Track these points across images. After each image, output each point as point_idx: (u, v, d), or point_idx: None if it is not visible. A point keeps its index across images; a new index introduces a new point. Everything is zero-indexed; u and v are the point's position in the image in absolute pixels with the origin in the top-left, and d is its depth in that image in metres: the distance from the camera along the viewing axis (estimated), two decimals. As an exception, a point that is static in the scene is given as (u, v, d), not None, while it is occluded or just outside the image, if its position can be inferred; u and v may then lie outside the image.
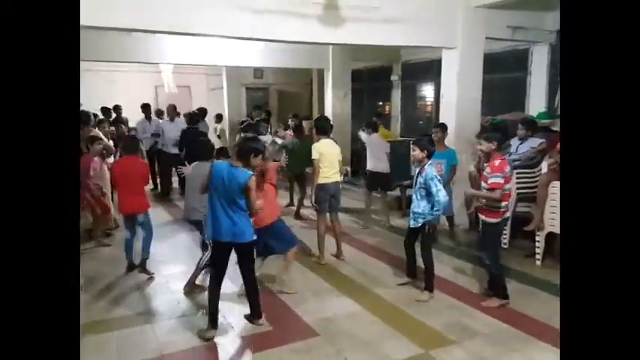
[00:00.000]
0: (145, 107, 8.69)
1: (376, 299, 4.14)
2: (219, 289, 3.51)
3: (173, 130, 8.15)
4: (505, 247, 5.25)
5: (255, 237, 3.50)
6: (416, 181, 4.05)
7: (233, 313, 3.86)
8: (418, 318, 3.76)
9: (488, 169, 3.82)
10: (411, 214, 4.11)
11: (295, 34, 5.09)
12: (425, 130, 8.79)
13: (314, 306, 4.02)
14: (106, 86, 10.84)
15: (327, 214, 5.05)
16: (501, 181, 3.72)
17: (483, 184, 3.88)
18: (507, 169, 3.82)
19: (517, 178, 5.13)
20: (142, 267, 4.73)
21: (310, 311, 3.90)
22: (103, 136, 5.91)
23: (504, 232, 5.27)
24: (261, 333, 3.57)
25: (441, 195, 3.85)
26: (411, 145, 4.18)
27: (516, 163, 5.26)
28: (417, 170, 4.07)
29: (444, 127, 5.66)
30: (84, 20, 3.92)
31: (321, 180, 4.85)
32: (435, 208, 3.95)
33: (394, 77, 10.54)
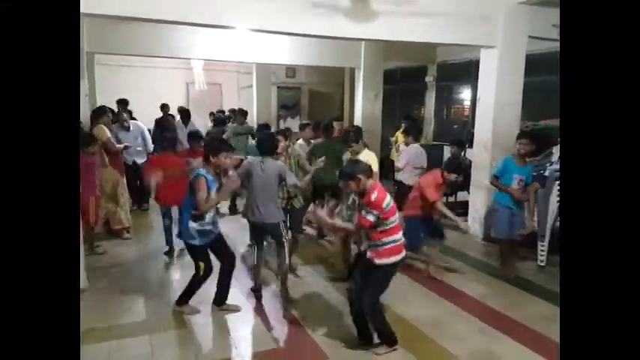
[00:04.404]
0: (183, 111, 8.57)
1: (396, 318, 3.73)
2: None
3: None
4: (542, 264, 4.83)
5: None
6: None
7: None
8: (441, 344, 3.39)
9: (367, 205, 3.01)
10: None
11: (323, 28, 4.81)
12: (459, 135, 8.39)
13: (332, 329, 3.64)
14: (139, 82, 10.93)
15: None
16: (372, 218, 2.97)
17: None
18: (387, 199, 3.00)
19: (560, 190, 4.69)
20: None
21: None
22: (108, 133, 5.55)
23: (542, 248, 4.86)
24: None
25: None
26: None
27: (558, 173, 4.82)
28: None
29: (533, 138, 4.68)
30: (89, 7, 3.80)
31: None
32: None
33: (429, 78, 10.12)
